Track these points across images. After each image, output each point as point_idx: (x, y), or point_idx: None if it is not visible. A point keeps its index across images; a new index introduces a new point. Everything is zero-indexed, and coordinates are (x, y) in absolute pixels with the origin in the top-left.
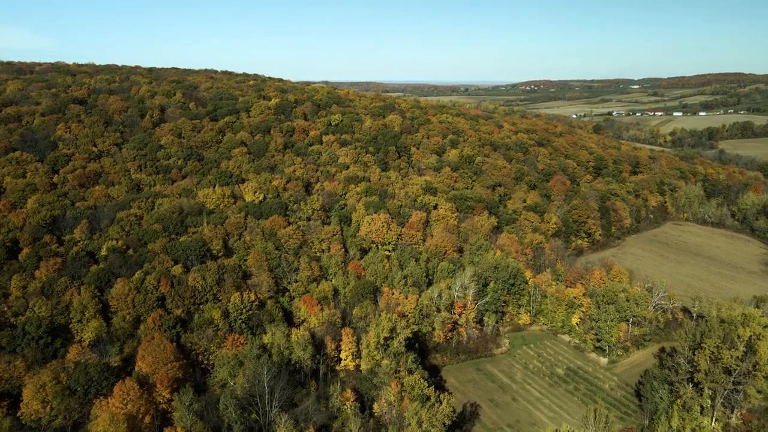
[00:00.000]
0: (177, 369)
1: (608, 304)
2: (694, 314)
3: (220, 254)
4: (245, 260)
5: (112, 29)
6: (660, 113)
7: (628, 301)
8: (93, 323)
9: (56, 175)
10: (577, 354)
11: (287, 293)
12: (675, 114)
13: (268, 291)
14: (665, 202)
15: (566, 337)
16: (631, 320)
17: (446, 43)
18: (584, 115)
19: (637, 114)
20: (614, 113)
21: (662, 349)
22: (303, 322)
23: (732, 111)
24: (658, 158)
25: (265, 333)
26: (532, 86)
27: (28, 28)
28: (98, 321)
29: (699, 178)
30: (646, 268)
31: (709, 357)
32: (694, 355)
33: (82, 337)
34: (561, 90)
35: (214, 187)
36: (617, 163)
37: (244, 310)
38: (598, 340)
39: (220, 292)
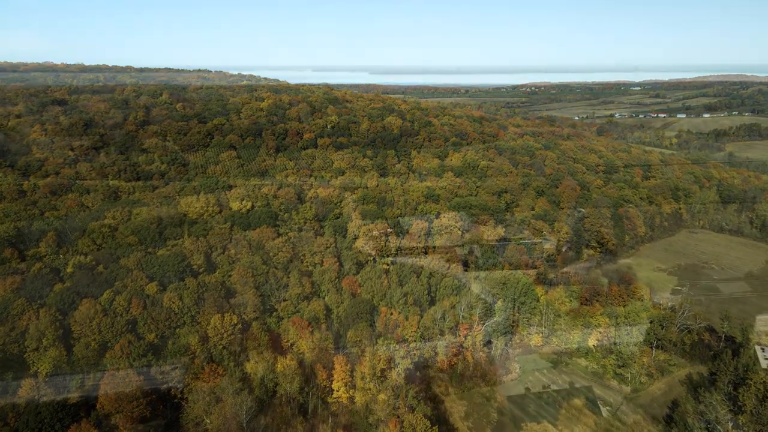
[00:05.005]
0: (144, 406)
1: (630, 325)
2: (722, 335)
3: (201, 270)
4: (229, 276)
5: (113, 31)
6: (663, 115)
7: (651, 322)
8: (51, 352)
9: (26, 182)
10: (596, 381)
11: (275, 313)
12: (678, 116)
13: (254, 311)
14: (680, 208)
15: (582, 361)
16: (655, 343)
17: (447, 45)
18: (586, 117)
19: (640, 116)
20: (617, 115)
21: (689, 376)
22: (291, 346)
23: (736, 113)
24: (670, 162)
25: (248, 360)
26: (533, 88)
27: (26, 30)
28: (57, 349)
29: (713, 183)
30: None
31: (755, 395)
32: (737, 391)
33: (37, 369)
34: (562, 92)
35: (198, 194)
36: (628, 168)
37: (225, 335)
38: (619, 366)
39: (199, 314)
